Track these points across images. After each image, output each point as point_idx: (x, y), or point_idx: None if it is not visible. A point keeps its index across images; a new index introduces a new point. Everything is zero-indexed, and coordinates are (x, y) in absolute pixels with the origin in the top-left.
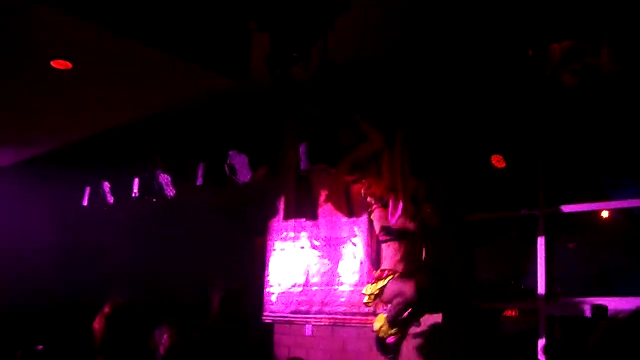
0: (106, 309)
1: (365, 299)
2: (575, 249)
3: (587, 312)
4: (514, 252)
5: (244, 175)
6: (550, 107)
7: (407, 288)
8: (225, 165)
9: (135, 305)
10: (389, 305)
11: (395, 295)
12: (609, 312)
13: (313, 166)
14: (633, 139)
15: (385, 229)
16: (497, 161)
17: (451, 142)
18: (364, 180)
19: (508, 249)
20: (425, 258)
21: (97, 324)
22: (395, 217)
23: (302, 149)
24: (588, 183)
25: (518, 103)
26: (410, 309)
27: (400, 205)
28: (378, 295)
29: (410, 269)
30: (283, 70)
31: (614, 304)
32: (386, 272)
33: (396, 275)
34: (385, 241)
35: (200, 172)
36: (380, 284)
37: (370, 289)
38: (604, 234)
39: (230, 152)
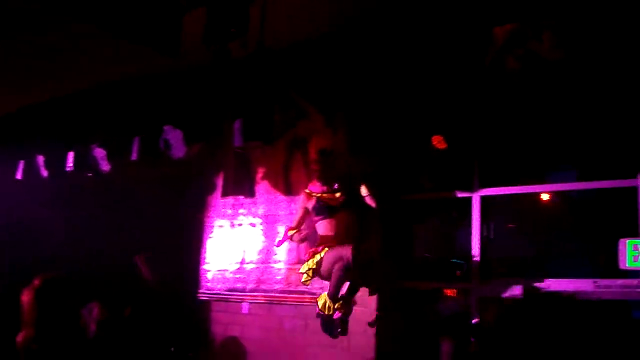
0: (36, 282)
1: (304, 278)
2: (515, 231)
3: (520, 293)
4: (454, 232)
5: (179, 150)
6: (491, 90)
7: (345, 251)
8: (161, 140)
9: (66, 280)
10: (327, 283)
11: (335, 262)
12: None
13: (247, 143)
14: (573, 124)
15: (319, 208)
16: (438, 142)
17: (391, 122)
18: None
19: (449, 229)
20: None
21: (26, 297)
22: (332, 195)
23: (237, 125)
24: (527, 166)
25: (459, 85)
26: (349, 282)
27: (337, 185)
28: (316, 270)
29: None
30: (220, 45)
31: (546, 285)
32: (321, 247)
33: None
34: (320, 220)
35: (135, 147)
36: (317, 257)
37: (307, 265)
38: (544, 217)
39: (166, 127)
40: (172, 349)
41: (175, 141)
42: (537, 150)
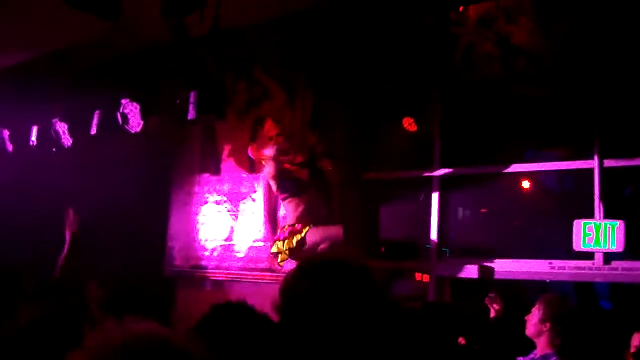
0: None
1: (279, 258)
2: (487, 215)
3: (475, 274)
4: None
5: (136, 124)
6: (463, 71)
7: (334, 231)
8: (118, 114)
9: None
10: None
11: (322, 241)
12: (495, 274)
13: (200, 116)
14: (535, 106)
15: (283, 185)
16: (409, 124)
17: (355, 100)
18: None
19: (415, 209)
20: (325, 215)
21: None
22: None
23: (191, 98)
24: (492, 148)
25: (426, 63)
26: None
27: (299, 161)
28: (295, 250)
29: (314, 221)
30: (178, 19)
31: (501, 266)
32: (300, 225)
33: (311, 225)
34: (285, 198)
35: (95, 121)
36: (298, 237)
37: (283, 244)
38: (520, 202)
39: (123, 101)
40: None
41: (133, 115)
42: (503, 133)
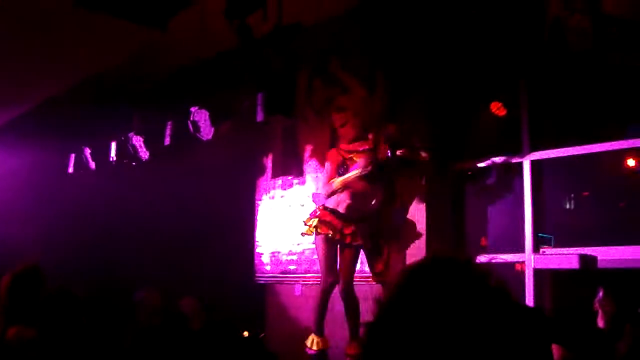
0: (17, 268)
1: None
2: (589, 198)
3: (576, 264)
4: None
5: (207, 132)
6: (549, 44)
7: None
8: (189, 123)
9: (38, 270)
10: None
11: None
12: (599, 263)
13: (268, 117)
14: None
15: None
16: (497, 109)
17: (436, 88)
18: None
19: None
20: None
21: (4, 281)
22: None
23: (258, 100)
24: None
25: (510, 41)
26: None
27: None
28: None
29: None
30: (241, 20)
31: (605, 254)
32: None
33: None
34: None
35: (167, 132)
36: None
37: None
38: (624, 185)
39: (192, 109)
40: (245, 333)
41: (203, 122)
42: (599, 109)
